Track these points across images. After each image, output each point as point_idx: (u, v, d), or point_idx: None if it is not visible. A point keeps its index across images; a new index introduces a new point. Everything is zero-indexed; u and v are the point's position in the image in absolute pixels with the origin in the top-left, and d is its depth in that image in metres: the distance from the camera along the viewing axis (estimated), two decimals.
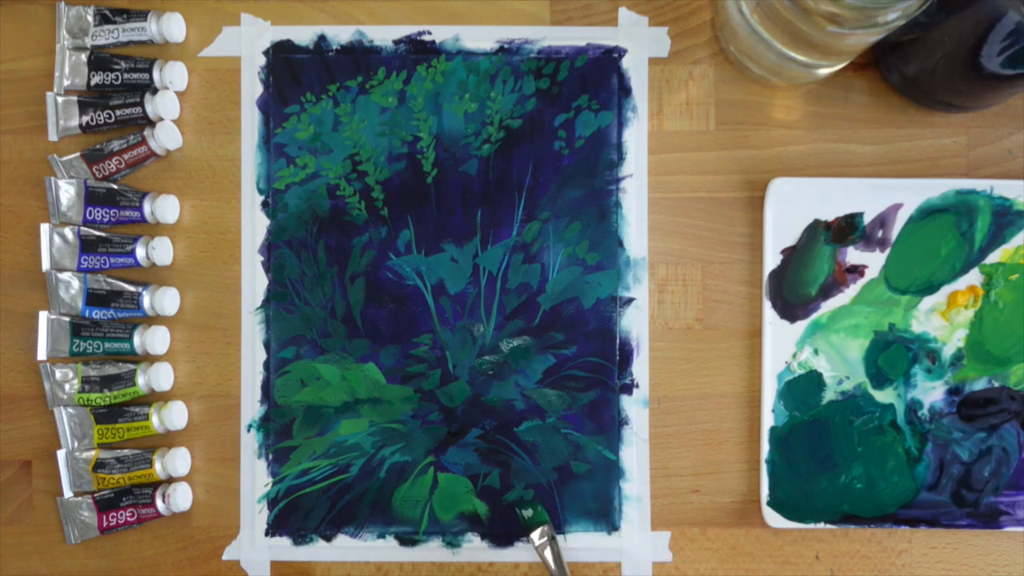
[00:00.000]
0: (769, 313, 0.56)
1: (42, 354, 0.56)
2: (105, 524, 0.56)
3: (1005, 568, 0.57)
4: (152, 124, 0.57)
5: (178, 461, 0.57)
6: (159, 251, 0.56)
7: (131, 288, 0.57)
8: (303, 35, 0.58)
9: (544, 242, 0.57)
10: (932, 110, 0.57)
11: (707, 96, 0.58)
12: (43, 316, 0.56)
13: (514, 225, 0.57)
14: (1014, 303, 0.56)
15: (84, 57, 0.57)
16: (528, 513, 0.56)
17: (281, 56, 0.58)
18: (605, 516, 0.57)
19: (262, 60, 0.58)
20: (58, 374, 0.56)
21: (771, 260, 0.56)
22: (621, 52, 0.57)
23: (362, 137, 0.57)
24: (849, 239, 0.56)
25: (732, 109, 0.58)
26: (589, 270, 0.57)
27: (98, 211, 0.56)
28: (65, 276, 0.56)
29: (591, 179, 0.57)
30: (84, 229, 0.56)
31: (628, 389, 0.57)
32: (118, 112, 0.56)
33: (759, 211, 0.57)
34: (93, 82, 0.57)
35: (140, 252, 0.56)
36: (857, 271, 0.57)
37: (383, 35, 0.58)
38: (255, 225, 0.58)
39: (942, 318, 0.57)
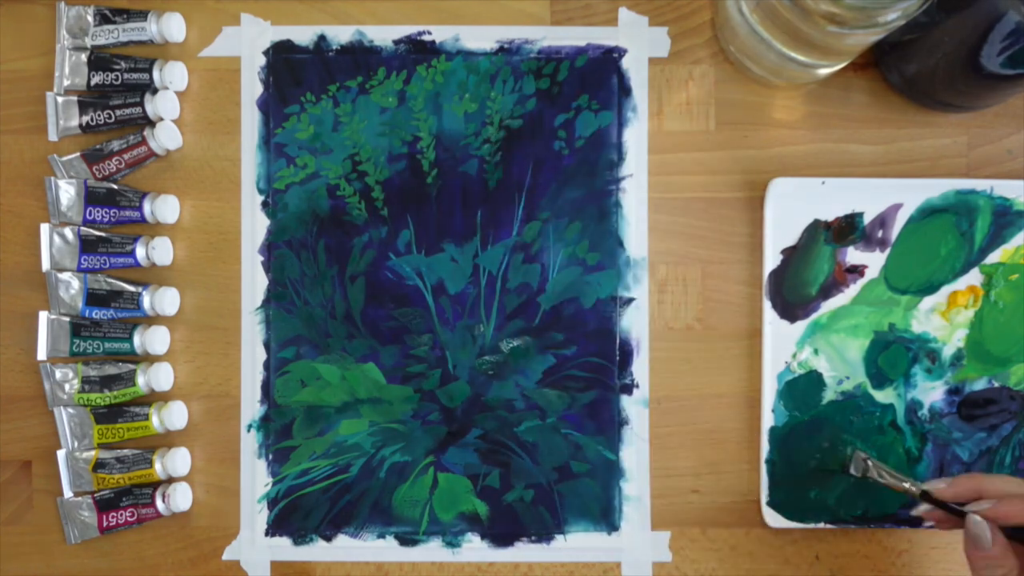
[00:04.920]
0: (769, 313, 0.56)
1: (42, 354, 0.56)
2: (105, 524, 0.56)
3: None
4: (152, 124, 0.57)
5: (178, 461, 0.57)
6: (159, 251, 0.56)
7: (131, 288, 0.57)
8: (303, 35, 0.58)
9: (544, 242, 0.57)
10: (932, 110, 0.57)
11: (707, 96, 0.58)
12: (43, 316, 0.56)
13: (514, 225, 0.57)
14: (1014, 303, 0.56)
15: (84, 57, 0.57)
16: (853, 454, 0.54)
17: (281, 56, 0.58)
18: (605, 516, 0.57)
19: (262, 60, 0.58)
20: (58, 374, 0.56)
21: (771, 260, 0.56)
22: (621, 52, 0.57)
23: (362, 137, 0.57)
24: (849, 239, 0.56)
25: (732, 109, 0.58)
26: (589, 270, 0.57)
27: (98, 211, 0.56)
28: (65, 276, 0.56)
29: (591, 179, 0.57)
30: (84, 229, 0.56)
31: (628, 389, 0.57)
32: (118, 112, 0.56)
33: (759, 211, 0.57)
34: (93, 82, 0.57)
35: (140, 252, 0.56)
36: (857, 271, 0.57)
37: (383, 35, 0.58)
38: (255, 225, 0.58)
39: (942, 318, 0.57)
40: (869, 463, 0.52)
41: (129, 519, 0.56)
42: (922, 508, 0.49)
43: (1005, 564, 0.44)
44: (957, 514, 0.47)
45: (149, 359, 0.57)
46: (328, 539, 0.57)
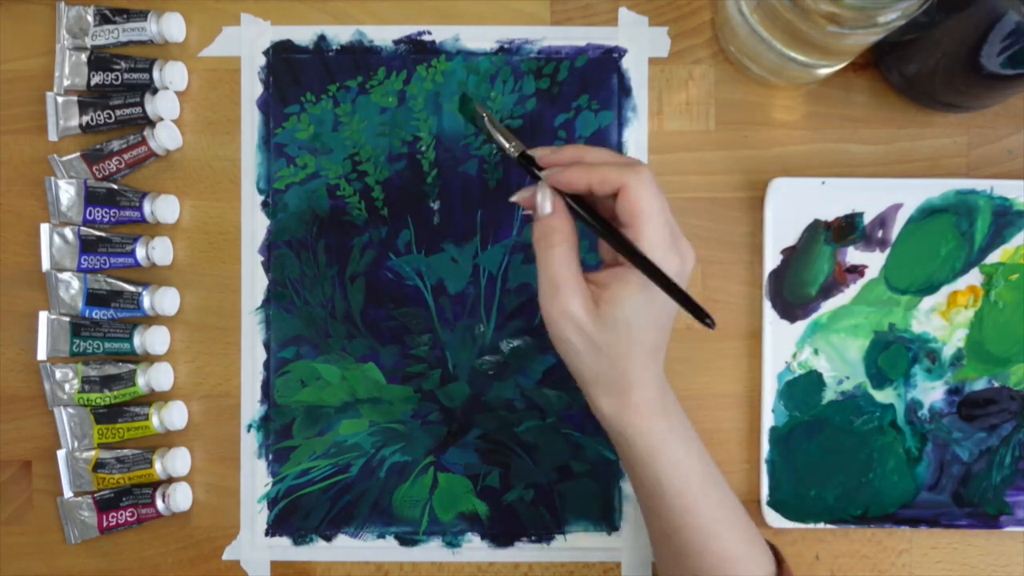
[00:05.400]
0: (769, 313, 0.56)
1: (42, 354, 0.56)
2: (105, 524, 0.56)
3: (1005, 568, 0.57)
4: (152, 124, 0.57)
5: (178, 461, 0.57)
6: (159, 251, 0.56)
7: (131, 288, 0.57)
8: (303, 35, 0.58)
9: None
10: (932, 110, 0.57)
11: (707, 96, 0.58)
12: (43, 316, 0.56)
13: (514, 225, 0.57)
14: (1014, 303, 0.56)
15: (84, 57, 0.57)
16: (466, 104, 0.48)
17: (281, 56, 0.58)
18: (605, 516, 0.57)
19: (262, 60, 0.58)
20: (58, 374, 0.56)
21: (771, 260, 0.56)
22: (621, 52, 0.57)
23: (362, 137, 0.57)
24: (849, 239, 0.56)
25: (732, 109, 0.58)
26: (589, 270, 0.57)
27: (98, 211, 0.56)
28: (65, 276, 0.56)
29: None
30: (84, 229, 0.56)
31: None
32: (118, 112, 0.56)
33: (759, 211, 0.57)
34: (93, 82, 0.57)
35: (140, 252, 0.56)
36: (857, 271, 0.57)
37: (383, 35, 0.58)
38: (255, 225, 0.58)
39: (942, 318, 0.57)
40: (484, 115, 0.46)
41: (129, 519, 0.56)
42: (517, 195, 0.45)
43: (561, 229, 0.42)
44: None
45: (149, 359, 0.57)
46: (328, 539, 0.57)
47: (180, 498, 0.56)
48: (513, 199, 0.46)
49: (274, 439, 0.57)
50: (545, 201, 0.43)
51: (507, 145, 0.45)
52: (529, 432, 0.57)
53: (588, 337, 0.43)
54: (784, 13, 0.47)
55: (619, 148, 0.57)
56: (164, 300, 0.56)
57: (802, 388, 0.57)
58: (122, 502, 0.56)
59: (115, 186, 0.57)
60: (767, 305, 0.56)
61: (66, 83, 0.57)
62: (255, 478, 0.57)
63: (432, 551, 0.57)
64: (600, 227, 0.43)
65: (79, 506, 0.56)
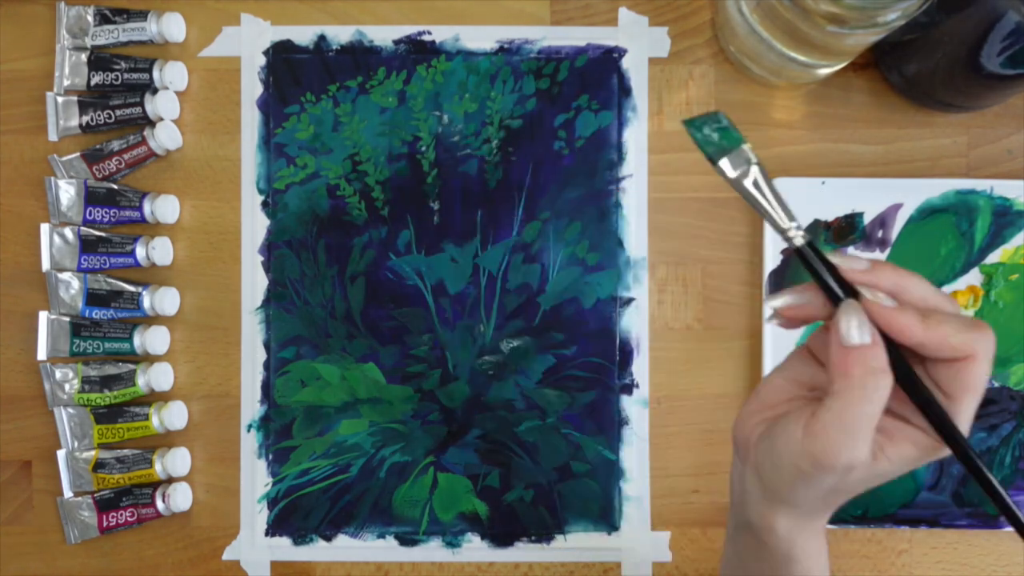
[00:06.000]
0: (769, 313, 0.56)
1: (42, 354, 0.56)
2: (105, 524, 0.56)
3: (1005, 568, 0.57)
4: (152, 124, 0.57)
5: (178, 461, 0.57)
6: (159, 251, 0.56)
7: (131, 288, 0.57)
8: (303, 35, 0.58)
9: (544, 242, 0.57)
10: (932, 110, 0.57)
11: (707, 96, 0.58)
12: (43, 316, 0.56)
13: (514, 225, 0.57)
14: (1014, 303, 0.56)
15: (84, 57, 0.57)
16: (713, 134, 0.37)
17: (281, 56, 0.58)
18: (605, 516, 0.57)
19: (262, 60, 0.58)
20: (58, 374, 0.56)
21: (771, 260, 0.56)
22: (621, 52, 0.57)
23: (362, 137, 0.57)
24: (849, 239, 0.56)
25: (732, 109, 0.58)
26: (589, 270, 0.57)
27: (98, 211, 0.56)
28: (65, 276, 0.56)
29: (591, 179, 0.57)
30: (84, 229, 0.56)
31: (628, 389, 0.57)
32: (118, 112, 0.56)
33: None
34: (93, 82, 0.57)
35: (140, 252, 0.56)
36: None
37: (383, 35, 0.58)
38: (255, 225, 0.58)
39: None
40: (754, 169, 0.36)
41: (129, 519, 0.56)
42: (780, 299, 0.37)
43: (886, 370, 0.33)
44: (834, 298, 0.34)
45: (149, 359, 0.57)
46: (328, 539, 0.57)
47: (180, 498, 0.56)
48: (775, 304, 0.37)
49: (274, 439, 0.57)
50: (862, 329, 0.34)
51: (785, 227, 0.35)
52: (529, 432, 0.57)
53: (844, 481, 0.36)
54: (784, 13, 0.47)
55: (619, 148, 0.57)
56: (164, 300, 0.56)
57: None
58: (122, 502, 0.56)
59: (115, 186, 0.57)
60: (767, 305, 0.56)
61: (66, 83, 0.57)
62: (255, 478, 0.57)
63: (432, 551, 0.57)
64: (917, 394, 0.34)
65: (79, 506, 0.56)
